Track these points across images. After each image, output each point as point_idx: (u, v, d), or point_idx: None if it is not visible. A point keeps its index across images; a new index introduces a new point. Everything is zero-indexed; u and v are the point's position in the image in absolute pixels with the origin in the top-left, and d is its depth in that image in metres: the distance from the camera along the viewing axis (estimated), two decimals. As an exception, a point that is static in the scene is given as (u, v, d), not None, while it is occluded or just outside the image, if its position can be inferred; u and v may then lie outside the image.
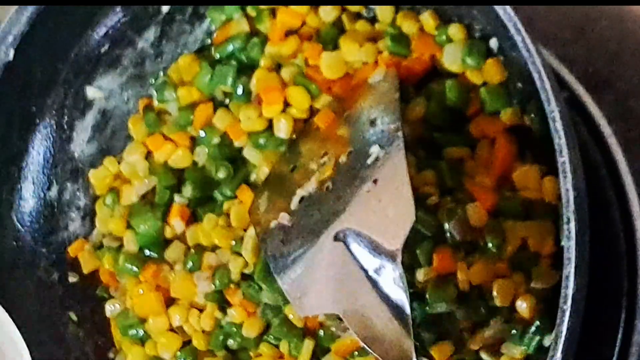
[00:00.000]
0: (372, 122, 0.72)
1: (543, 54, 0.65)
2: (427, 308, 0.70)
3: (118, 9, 0.84)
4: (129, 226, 0.84)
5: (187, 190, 0.83)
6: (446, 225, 0.71)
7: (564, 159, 0.61)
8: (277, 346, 0.78)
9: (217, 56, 0.84)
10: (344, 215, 0.70)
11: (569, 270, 0.60)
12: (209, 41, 0.87)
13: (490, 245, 0.69)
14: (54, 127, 0.86)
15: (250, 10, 0.84)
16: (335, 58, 0.79)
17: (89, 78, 0.86)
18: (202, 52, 0.87)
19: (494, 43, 0.72)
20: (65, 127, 0.87)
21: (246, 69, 0.83)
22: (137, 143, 0.87)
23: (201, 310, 0.81)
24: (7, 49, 0.81)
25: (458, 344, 0.70)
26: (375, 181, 0.68)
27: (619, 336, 0.69)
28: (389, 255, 0.65)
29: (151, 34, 0.86)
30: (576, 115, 0.75)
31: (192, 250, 0.82)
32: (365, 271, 0.67)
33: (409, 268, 0.73)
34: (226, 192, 0.82)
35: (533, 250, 0.68)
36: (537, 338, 0.67)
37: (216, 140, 0.83)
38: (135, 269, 0.83)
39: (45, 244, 0.86)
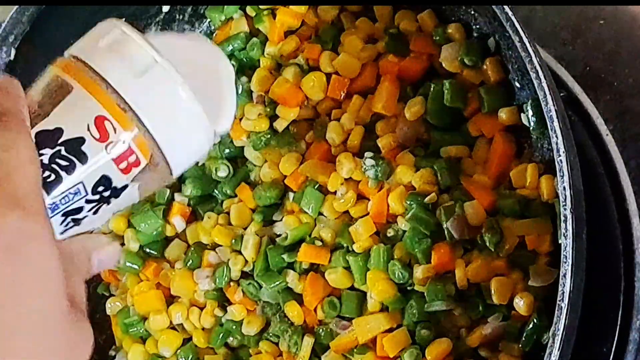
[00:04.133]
0: None
1: (540, 53, 0.65)
2: (426, 306, 0.71)
3: (118, 9, 0.85)
4: (129, 225, 0.84)
5: (188, 189, 0.84)
6: (444, 224, 0.71)
7: (561, 157, 0.61)
8: (276, 344, 0.78)
9: (217, 56, 0.84)
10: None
11: (566, 268, 0.60)
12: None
13: (488, 243, 0.69)
14: (55, 126, 0.86)
15: (250, 10, 0.84)
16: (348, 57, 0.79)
17: (90, 77, 0.87)
18: (202, 51, 0.88)
19: (491, 43, 0.73)
20: (66, 126, 0.87)
21: (246, 69, 0.83)
22: (137, 142, 0.87)
23: (201, 308, 0.81)
24: (8, 48, 0.81)
25: (456, 341, 0.71)
26: None
27: (616, 333, 0.69)
28: None
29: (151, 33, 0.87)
30: (573, 114, 0.75)
31: (193, 249, 0.83)
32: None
33: (408, 266, 0.73)
34: (226, 190, 0.83)
35: (531, 248, 0.69)
36: (535, 335, 0.67)
37: (216, 139, 0.83)
38: (136, 267, 0.84)
39: (46, 242, 0.87)
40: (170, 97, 0.48)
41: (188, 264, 0.82)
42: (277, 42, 0.82)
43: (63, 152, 0.45)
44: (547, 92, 0.62)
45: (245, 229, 0.81)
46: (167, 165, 0.48)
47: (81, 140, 0.46)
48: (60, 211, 0.46)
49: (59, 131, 0.46)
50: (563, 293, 0.60)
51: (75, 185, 0.46)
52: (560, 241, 0.64)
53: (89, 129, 0.46)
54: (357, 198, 0.76)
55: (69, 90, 0.47)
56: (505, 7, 0.66)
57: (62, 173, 0.45)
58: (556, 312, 0.60)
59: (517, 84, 0.71)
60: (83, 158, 0.46)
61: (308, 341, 0.76)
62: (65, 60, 0.48)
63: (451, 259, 0.71)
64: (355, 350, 0.74)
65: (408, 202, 0.73)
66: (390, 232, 0.74)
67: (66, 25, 0.83)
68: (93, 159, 0.46)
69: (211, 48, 0.56)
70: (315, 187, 0.78)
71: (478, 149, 0.74)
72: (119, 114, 0.46)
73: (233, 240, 0.80)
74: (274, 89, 0.81)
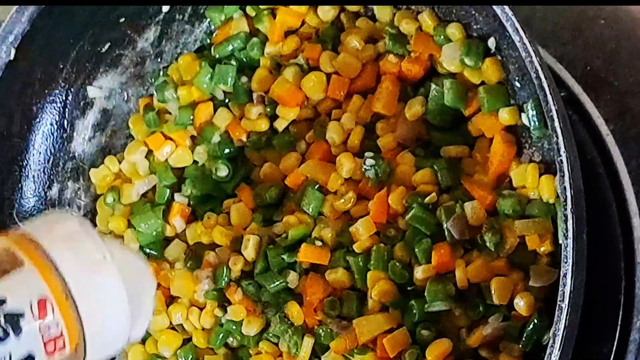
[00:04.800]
0: None
1: (541, 53, 0.65)
2: (426, 306, 0.71)
3: (118, 9, 0.85)
4: (129, 225, 0.84)
5: (188, 189, 0.83)
6: (445, 224, 0.71)
7: (561, 157, 0.61)
8: (276, 344, 0.78)
9: (217, 56, 0.85)
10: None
11: (567, 268, 0.60)
12: (208, 41, 0.87)
13: (488, 243, 0.69)
14: (55, 126, 0.86)
15: (250, 10, 0.84)
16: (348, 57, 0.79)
17: (90, 77, 0.87)
18: (202, 51, 0.88)
19: (492, 42, 0.72)
20: (66, 126, 0.87)
21: (246, 69, 0.83)
22: (137, 142, 0.87)
23: (201, 309, 0.81)
24: (8, 48, 0.81)
25: (457, 341, 0.70)
26: None
27: (617, 334, 0.69)
28: None
29: (151, 33, 0.87)
30: (574, 114, 0.75)
31: (193, 249, 0.83)
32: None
33: (408, 266, 0.73)
34: (226, 190, 0.83)
35: (531, 249, 0.68)
36: (536, 335, 0.67)
37: (216, 139, 0.83)
38: (135, 267, 0.83)
39: (46, 242, 0.87)
40: (109, 298, 0.50)
41: (188, 264, 0.82)
42: (277, 42, 0.82)
43: (1, 322, 0.47)
44: (548, 92, 0.62)
45: (245, 229, 0.81)
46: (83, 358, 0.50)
47: (21, 315, 0.47)
48: None
49: (2, 301, 0.47)
50: (563, 293, 0.60)
51: (2, 355, 0.47)
52: (560, 241, 0.64)
53: (31, 306, 0.48)
54: (357, 198, 0.76)
55: (19, 264, 0.48)
56: (506, 7, 0.66)
57: None
58: (557, 312, 0.60)
59: (518, 84, 0.71)
60: (18, 331, 0.47)
61: (308, 341, 0.76)
62: (18, 235, 0.50)
63: (451, 259, 0.71)
64: (355, 350, 0.74)
65: (408, 202, 0.73)
66: (390, 232, 0.74)
67: (66, 25, 0.83)
68: (27, 335, 0.47)
69: (140, 262, 0.59)
70: (315, 187, 0.78)
71: (478, 149, 0.73)
72: (62, 300, 0.48)
73: (233, 240, 0.80)
74: (274, 89, 0.81)
